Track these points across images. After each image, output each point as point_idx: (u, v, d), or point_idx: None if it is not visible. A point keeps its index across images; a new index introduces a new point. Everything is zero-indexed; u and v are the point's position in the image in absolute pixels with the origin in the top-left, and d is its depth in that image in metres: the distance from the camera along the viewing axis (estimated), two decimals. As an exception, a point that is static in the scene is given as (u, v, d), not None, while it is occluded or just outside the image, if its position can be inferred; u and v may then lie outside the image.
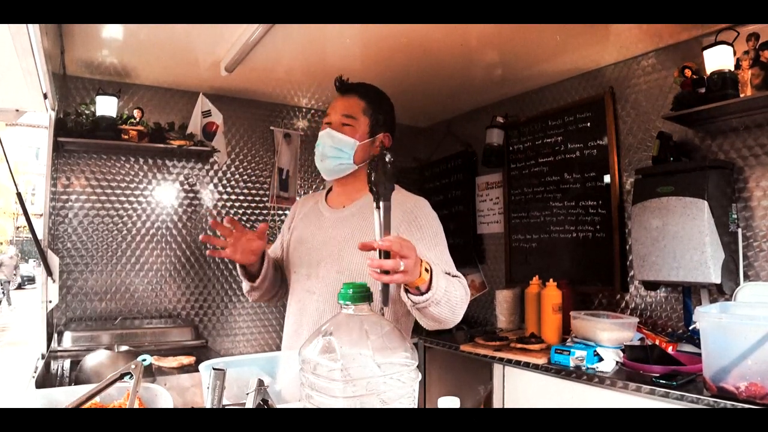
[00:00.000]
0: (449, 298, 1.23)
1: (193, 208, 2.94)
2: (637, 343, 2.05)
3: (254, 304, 3.04)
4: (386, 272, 1.05)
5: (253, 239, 1.39)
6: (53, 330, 2.43)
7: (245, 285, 1.54)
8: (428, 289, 1.17)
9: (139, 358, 1.04)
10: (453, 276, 1.35)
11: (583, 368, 1.96)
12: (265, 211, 3.15)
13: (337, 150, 1.45)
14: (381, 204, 1.07)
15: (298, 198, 3.25)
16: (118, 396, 1.01)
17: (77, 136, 2.46)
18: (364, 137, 1.46)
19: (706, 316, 1.59)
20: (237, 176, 3.08)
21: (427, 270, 1.15)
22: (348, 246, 1.42)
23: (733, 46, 1.94)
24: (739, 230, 2.04)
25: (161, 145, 2.67)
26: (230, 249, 1.36)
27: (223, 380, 0.97)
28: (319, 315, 1.43)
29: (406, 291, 1.20)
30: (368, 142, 1.47)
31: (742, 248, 2.03)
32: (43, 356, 2.20)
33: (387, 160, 1.09)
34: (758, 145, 2.03)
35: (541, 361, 2.09)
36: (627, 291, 2.47)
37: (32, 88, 1.74)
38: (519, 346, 2.26)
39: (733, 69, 1.93)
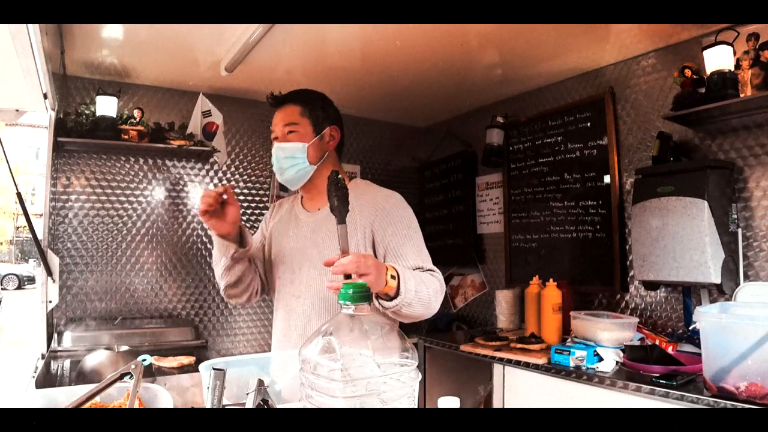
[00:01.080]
0: (420, 297, 1.27)
1: (193, 208, 2.94)
2: (637, 343, 2.05)
3: (254, 303, 3.04)
4: None
5: (228, 205, 1.42)
6: (53, 330, 2.43)
7: (222, 277, 1.54)
8: (397, 294, 1.21)
9: (139, 358, 1.04)
10: (426, 270, 1.40)
11: (583, 368, 1.96)
12: (265, 211, 3.15)
13: (290, 158, 1.48)
14: (338, 227, 1.14)
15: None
16: (118, 396, 1.01)
17: (77, 136, 2.47)
18: (311, 137, 1.49)
19: (706, 316, 1.59)
20: (237, 176, 3.08)
21: (393, 277, 1.20)
22: (327, 248, 1.44)
23: (733, 46, 1.94)
24: (739, 230, 2.04)
25: (161, 145, 2.67)
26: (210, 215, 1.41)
27: (223, 380, 0.97)
28: (306, 318, 1.46)
29: (377, 297, 1.24)
30: (317, 140, 1.50)
31: (742, 248, 2.03)
32: (43, 356, 2.20)
33: (339, 184, 1.15)
34: (758, 145, 2.03)
35: (541, 361, 2.09)
36: (627, 291, 2.47)
37: (32, 88, 1.74)
38: (519, 346, 2.26)
39: (733, 69, 1.93)
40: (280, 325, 1.56)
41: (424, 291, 1.29)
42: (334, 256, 1.14)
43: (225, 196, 1.41)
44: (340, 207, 1.15)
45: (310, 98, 1.56)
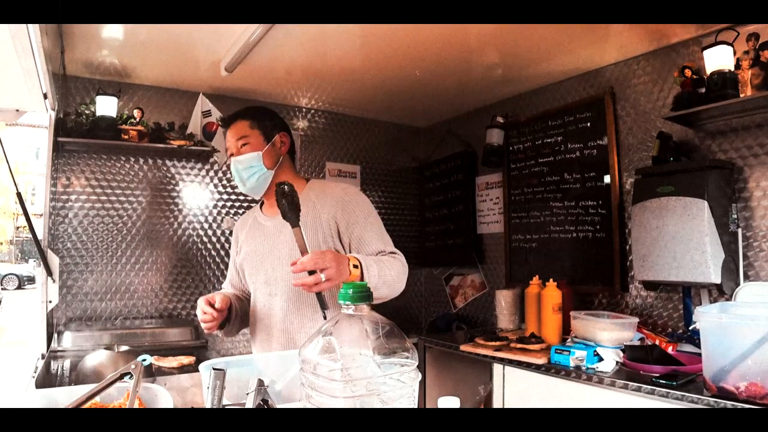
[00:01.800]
0: (385, 280, 1.40)
1: (193, 208, 2.94)
2: (637, 343, 2.05)
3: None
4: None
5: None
6: (53, 330, 2.43)
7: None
8: (361, 280, 1.31)
9: (139, 358, 1.04)
10: (389, 253, 1.51)
11: (583, 368, 1.96)
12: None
13: (248, 168, 1.57)
14: (294, 230, 1.28)
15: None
16: (118, 396, 1.01)
17: (77, 136, 2.47)
18: (264, 145, 1.59)
19: (706, 316, 1.59)
20: (237, 176, 3.08)
21: (356, 266, 1.33)
22: (294, 246, 1.49)
23: (733, 46, 1.94)
24: (739, 230, 2.04)
25: (161, 145, 2.67)
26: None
27: (223, 380, 0.97)
28: (284, 314, 1.55)
29: None
30: (269, 147, 1.60)
31: (742, 248, 2.03)
32: (43, 356, 2.20)
33: (284, 192, 1.28)
34: (758, 145, 2.03)
35: (541, 361, 2.09)
36: (627, 291, 2.47)
37: (32, 88, 1.74)
38: (519, 346, 2.26)
39: (733, 69, 1.93)
40: (259, 325, 1.64)
41: (387, 273, 1.41)
42: (297, 258, 1.27)
43: (216, 306, 1.50)
44: (289, 213, 1.27)
45: (256, 111, 1.66)
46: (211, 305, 1.48)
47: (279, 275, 1.56)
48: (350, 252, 1.52)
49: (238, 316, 1.67)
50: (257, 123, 1.60)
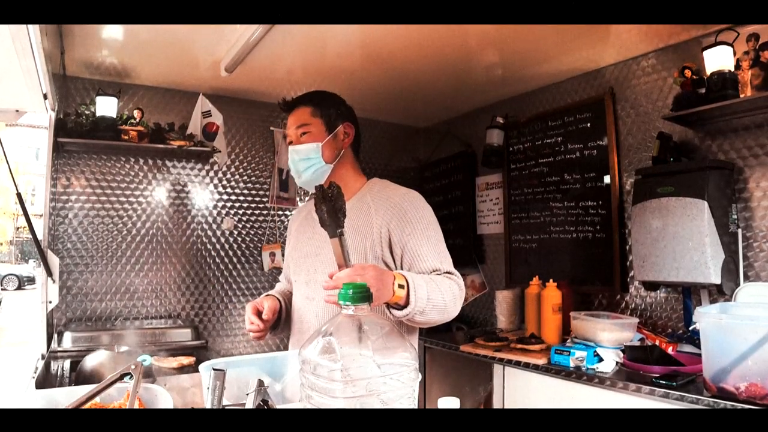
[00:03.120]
0: (435, 303, 1.24)
1: (193, 208, 2.94)
2: (637, 343, 2.05)
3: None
4: None
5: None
6: (53, 330, 2.42)
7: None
8: (407, 303, 1.19)
9: (139, 359, 1.04)
10: (445, 272, 1.36)
11: (583, 369, 1.96)
12: (265, 212, 3.15)
13: (306, 160, 1.46)
14: (331, 240, 1.12)
15: (298, 199, 3.25)
16: (118, 396, 1.01)
17: (77, 137, 2.46)
18: (324, 136, 1.47)
19: (706, 317, 1.59)
20: (237, 176, 3.08)
21: (402, 286, 1.18)
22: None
23: (733, 46, 1.94)
24: (739, 230, 2.04)
25: (161, 146, 2.67)
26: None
27: (223, 380, 0.97)
28: (318, 320, 1.44)
29: (388, 307, 1.22)
30: (330, 139, 1.48)
31: (742, 248, 2.03)
32: (43, 356, 2.20)
33: (326, 195, 1.13)
34: (758, 145, 2.03)
35: (541, 361, 2.09)
36: (627, 291, 2.47)
37: (32, 89, 1.74)
38: (519, 346, 2.26)
39: (733, 69, 1.93)
40: (295, 327, 1.56)
41: (438, 297, 1.25)
42: (334, 270, 1.14)
43: (264, 317, 1.45)
44: (329, 220, 1.12)
45: (321, 98, 1.54)
46: (259, 314, 1.41)
47: (320, 279, 1.41)
48: (401, 266, 1.38)
49: (288, 318, 1.57)
50: (320, 111, 1.49)
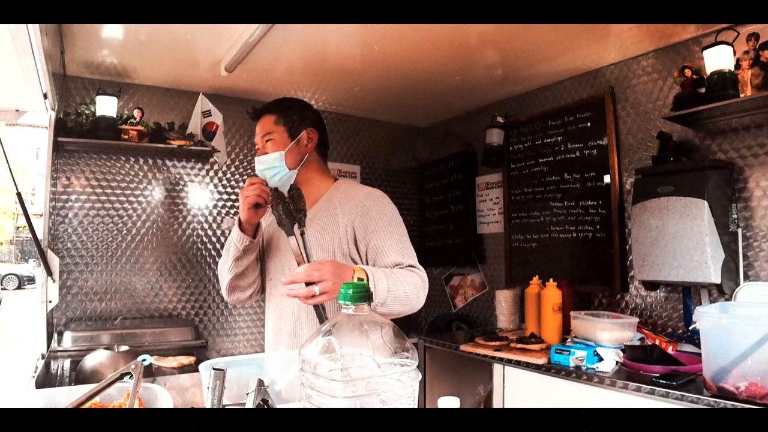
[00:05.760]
0: (396, 295, 1.31)
1: (193, 208, 2.94)
2: (637, 343, 2.05)
3: (254, 303, 3.04)
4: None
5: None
6: (53, 330, 2.42)
7: (230, 270, 1.55)
8: None
9: (139, 358, 1.04)
10: (408, 266, 1.42)
11: (583, 368, 1.96)
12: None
13: (270, 168, 1.51)
14: (288, 238, 1.21)
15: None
16: (118, 396, 1.01)
17: (77, 136, 2.47)
18: (287, 143, 1.53)
19: (706, 316, 1.59)
20: (237, 176, 3.09)
21: (361, 279, 1.26)
22: (315, 248, 1.46)
23: (733, 46, 1.94)
24: (739, 230, 2.04)
25: (161, 145, 2.67)
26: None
27: (223, 380, 0.97)
28: (296, 317, 1.49)
29: None
30: (293, 145, 1.54)
31: (742, 248, 2.03)
32: (43, 356, 2.20)
33: (280, 197, 1.21)
34: (758, 145, 2.03)
35: (541, 361, 2.09)
36: (627, 291, 2.47)
37: (32, 88, 1.74)
38: (519, 346, 2.26)
39: (733, 69, 1.93)
40: (271, 324, 1.60)
41: (400, 289, 1.32)
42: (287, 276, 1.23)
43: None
44: (285, 220, 1.20)
45: (285, 105, 1.59)
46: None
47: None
48: (366, 262, 1.46)
49: (255, 269, 1.60)
50: (283, 118, 1.54)
